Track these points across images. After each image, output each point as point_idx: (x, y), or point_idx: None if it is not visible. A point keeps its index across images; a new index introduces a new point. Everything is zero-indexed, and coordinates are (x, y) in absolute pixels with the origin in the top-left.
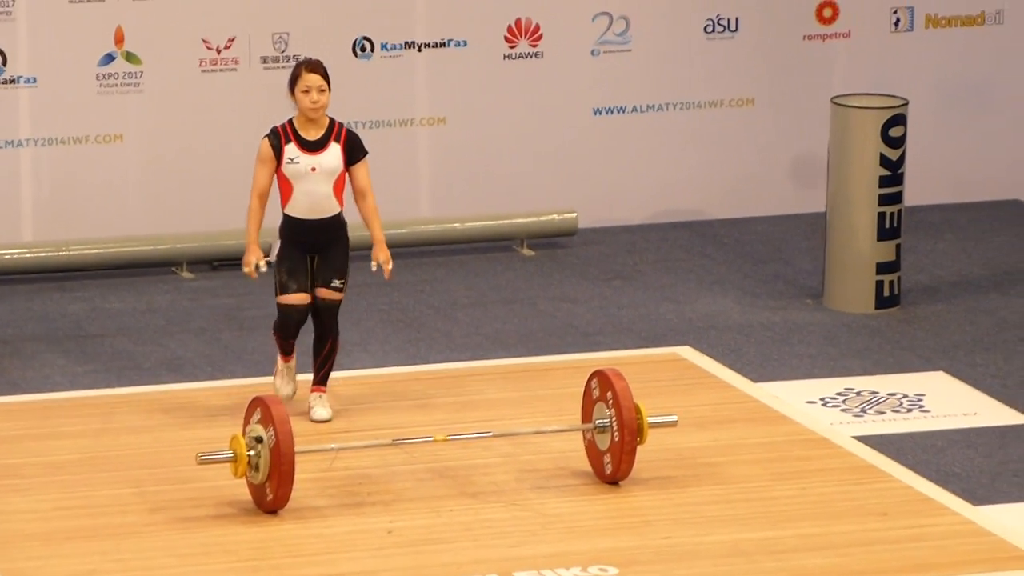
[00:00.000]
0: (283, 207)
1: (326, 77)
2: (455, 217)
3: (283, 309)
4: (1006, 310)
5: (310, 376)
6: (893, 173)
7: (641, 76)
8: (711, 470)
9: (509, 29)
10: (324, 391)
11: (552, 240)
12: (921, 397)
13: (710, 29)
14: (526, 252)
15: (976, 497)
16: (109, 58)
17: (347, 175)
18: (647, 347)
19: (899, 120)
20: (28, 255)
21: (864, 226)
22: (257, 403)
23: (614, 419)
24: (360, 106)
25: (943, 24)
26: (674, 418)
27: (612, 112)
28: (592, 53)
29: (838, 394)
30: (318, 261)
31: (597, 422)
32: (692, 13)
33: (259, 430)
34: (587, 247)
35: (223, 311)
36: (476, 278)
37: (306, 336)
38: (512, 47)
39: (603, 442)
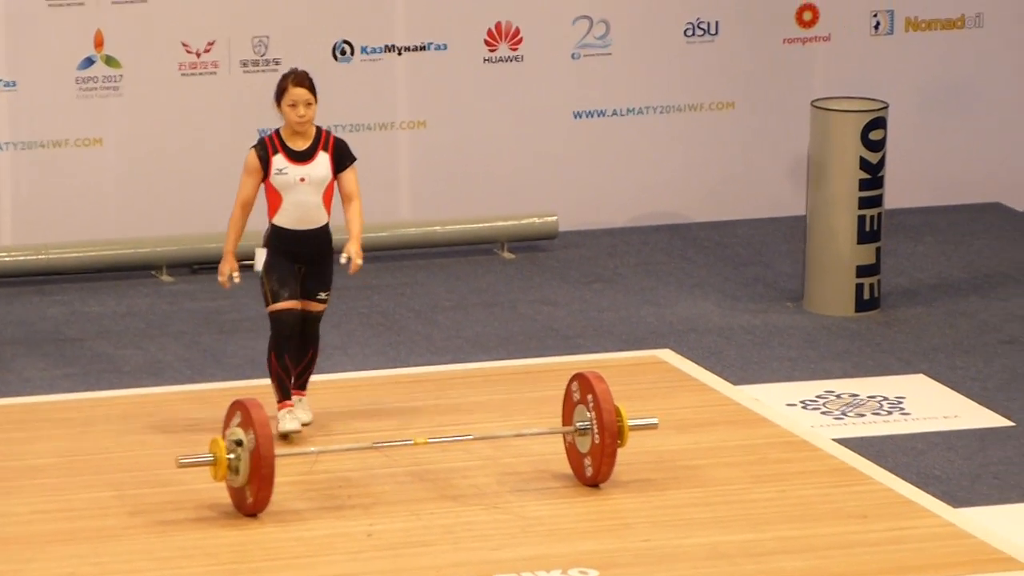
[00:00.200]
0: (271, 217)
1: (312, 90)
2: (436, 220)
3: (276, 316)
4: (986, 313)
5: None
6: (873, 176)
7: (621, 80)
8: (691, 473)
9: (489, 33)
10: (304, 395)
11: (532, 243)
12: (901, 400)
13: (690, 32)
14: (507, 255)
15: (956, 499)
16: (89, 62)
17: (335, 182)
18: (628, 350)
19: (879, 123)
20: (7, 258)
21: (844, 229)
22: (237, 406)
23: (594, 422)
24: (340, 109)
25: (923, 27)
26: (655, 421)
27: (592, 116)
28: (572, 57)
29: (818, 397)
30: (305, 274)
31: (578, 425)
32: (672, 16)
33: (239, 433)
34: (567, 250)
35: (203, 315)
36: (457, 281)
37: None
38: (492, 51)
39: (583, 445)
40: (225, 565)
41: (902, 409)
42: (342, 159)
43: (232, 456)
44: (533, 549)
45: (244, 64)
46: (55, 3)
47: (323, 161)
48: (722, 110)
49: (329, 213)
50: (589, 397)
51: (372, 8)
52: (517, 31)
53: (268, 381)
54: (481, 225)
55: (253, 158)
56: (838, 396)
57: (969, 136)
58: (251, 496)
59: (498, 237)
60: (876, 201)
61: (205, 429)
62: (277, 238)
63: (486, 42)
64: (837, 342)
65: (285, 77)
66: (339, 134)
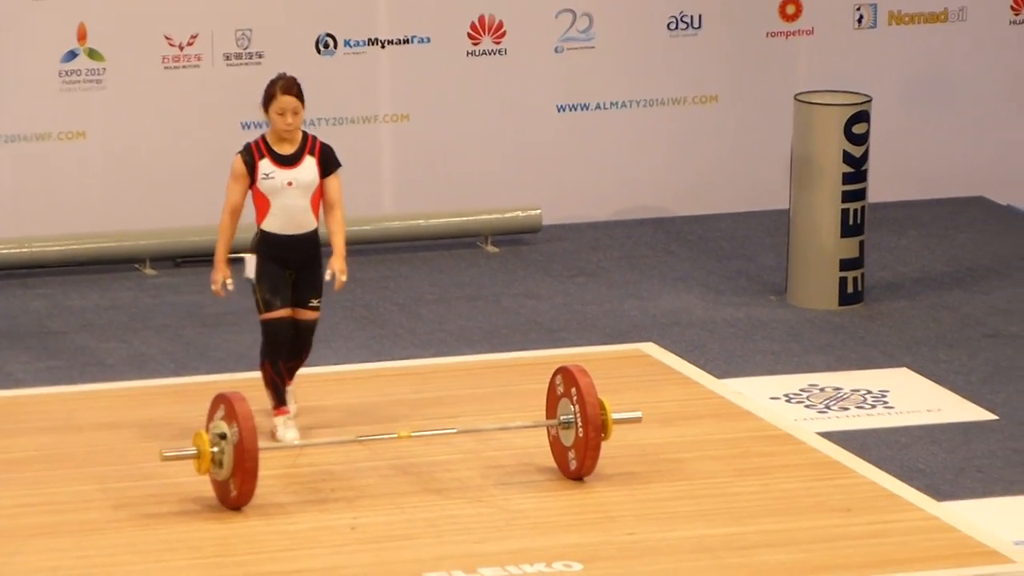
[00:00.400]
0: (259, 223)
1: (300, 97)
2: (419, 214)
3: (269, 326)
4: (969, 306)
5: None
6: (856, 170)
7: (605, 73)
8: (675, 466)
9: (472, 26)
10: (289, 384)
11: (516, 237)
12: (885, 393)
13: (673, 26)
14: (490, 249)
15: (940, 493)
16: (72, 55)
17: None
18: (611, 343)
19: (862, 117)
20: None
21: (828, 223)
22: (220, 400)
23: (578, 415)
24: (323, 103)
25: (906, 21)
26: (638, 414)
27: (576, 109)
28: (556, 50)
29: (802, 390)
30: (296, 280)
31: (561, 418)
32: (655, 10)
33: (223, 427)
34: (551, 244)
35: (186, 308)
36: (440, 275)
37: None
38: (475, 44)
39: (567, 438)
40: (209, 558)
41: (886, 403)
42: (328, 164)
43: (216, 449)
44: (517, 542)
45: (227, 57)
46: None
47: (310, 165)
48: (706, 104)
49: (317, 218)
50: (573, 390)
51: (355, 1)
52: (500, 24)
53: (252, 375)
54: (464, 219)
55: (239, 163)
56: (822, 389)
57: (952, 130)
58: (235, 489)
59: (481, 231)
60: (859, 195)
61: (189, 422)
62: (266, 244)
63: (469, 35)
64: (821, 335)
65: (273, 83)
66: (322, 128)
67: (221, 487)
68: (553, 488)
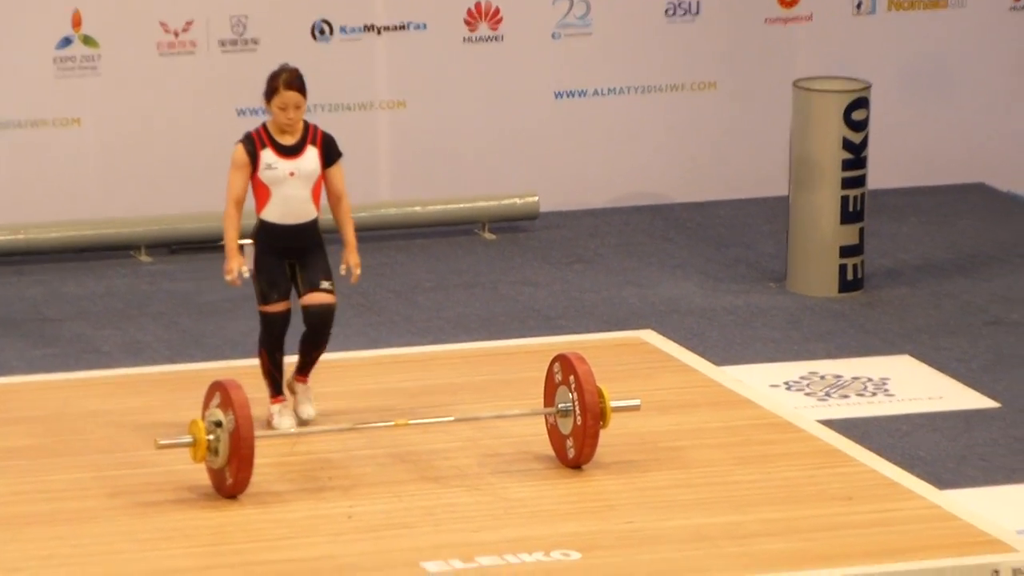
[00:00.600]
0: (259, 212)
1: (303, 91)
2: (416, 201)
3: (267, 318)
4: (970, 293)
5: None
6: (856, 156)
7: (602, 59)
8: (674, 454)
9: (469, 12)
10: (307, 381)
11: (514, 224)
12: (886, 381)
13: (671, 12)
14: (488, 236)
15: (941, 481)
16: (66, 41)
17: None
18: (609, 331)
19: (862, 103)
20: None
21: (827, 209)
22: (216, 387)
23: (576, 403)
24: (319, 89)
25: (906, 7)
26: (637, 402)
27: (573, 96)
28: (553, 36)
29: (802, 378)
30: (299, 268)
31: (559, 406)
32: None
33: (218, 414)
34: (549, 231)
35: (182, 295)
36: (437, 262)
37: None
38: (472, 30)
39: (565, 426)
40: (205, 547)
41: (886, 390)
42: (330, 154)
43: (212, 437)
44: (515, 531)
45: (223, 44)
46: None
47: (312, 155)
48: (704, 90)
49: (318, 207)
50: (571, 378)
51: None
52: (497, 11)
53: (248, 362)
54: (462, 206)
55: (241, 153)
56: (822, 377)
57: (952, 116)
58: (231, 477)
59: (479, 217)
60: (859, 181)
61: (184, 410)
62: (265, 233)
63: (466, 22)
64: (821, 323)
65: (276, 76)
66: (318, 115)
67: (217, 475)
68: (551, 476)
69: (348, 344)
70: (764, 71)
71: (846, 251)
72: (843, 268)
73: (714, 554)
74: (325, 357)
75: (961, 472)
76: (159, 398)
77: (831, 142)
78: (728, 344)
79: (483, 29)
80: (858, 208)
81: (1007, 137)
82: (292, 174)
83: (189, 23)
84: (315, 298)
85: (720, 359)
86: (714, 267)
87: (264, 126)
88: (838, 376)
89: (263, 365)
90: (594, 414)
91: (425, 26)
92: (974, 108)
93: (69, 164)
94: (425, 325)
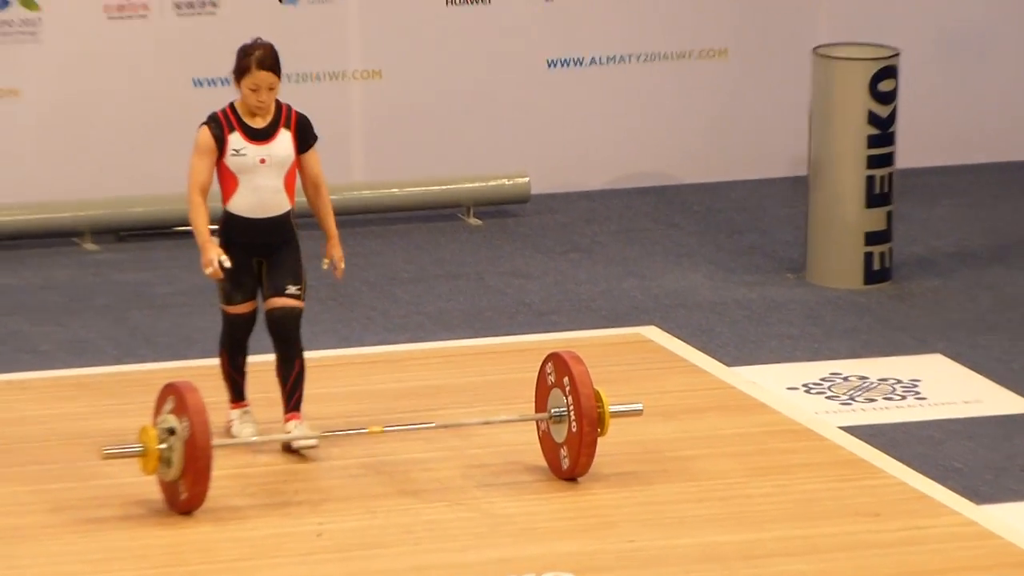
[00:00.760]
0: (224, 203)
1: (278, 71)
2: (392, 182)
3: (229, 319)
4: (1011, 285)
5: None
6: (883, 132)
7: (601, 24)
8: (680, 465)
9: None
10: (299, 417)
11: (502, 208)
12: (916, 383)
13: None
14: (472, 221)
15: (979, 495)
16: (4, 3)
17: (297, 164)
18: (608, 327)
19: (890, 72)
20: None
21: (851, 191)
22: (169, 391)
23: (571, 408)
24: (286, 57)
25: None
26: (639, 406)
27: (568, 64)
28: None
29: (823, 379)
30: (266, 267)
31: (553, 411)
32: None
33: (172, 421)
34: (541, 215)
35: (131, 287)
36: (416, 250)
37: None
38: None
39: (559, 434)
40: (157, 568)
41: (917, 393)
42: (306, 137)
43: (164, 446)
44: (503, 551)
45: (178, 6)
46: None
47: (285, 140)
48: (714, 58)
49: (292, 199)
50: (565, 380)
51: None
52: None
53: (205, 362)
54: (444, 187)
55: (206, 137)
56: (845, 379)
57: (990, 87)
58: (185, 491)
59: (463, 201)
60: (887, 159)
61: (133, 416)
62: (231, 227)
63: None
64: (844, 318)
65: (248, 54)
66: (284, 86)
67: (170, 488)
68: (543, 490)
69: (316, 342)
70: (781, 37)
71: (872, 238)
72: (868, 257)
73: None
74: None
75: (1000, 485)
76: (105, 403)
77: (855, 116)
78: (741, 342)
79: None
80: (885, 190)
81: None
82: (263, 161)
83: None
84: (278, 303)
85: (732, 358)
86: (725, 256)
87: (232, 106)
88: (863, 377)
89: (223, 367)
90: (591, 420)
91: None
92: (1014, 78)
93: (5, 140)
94: (403, 321)
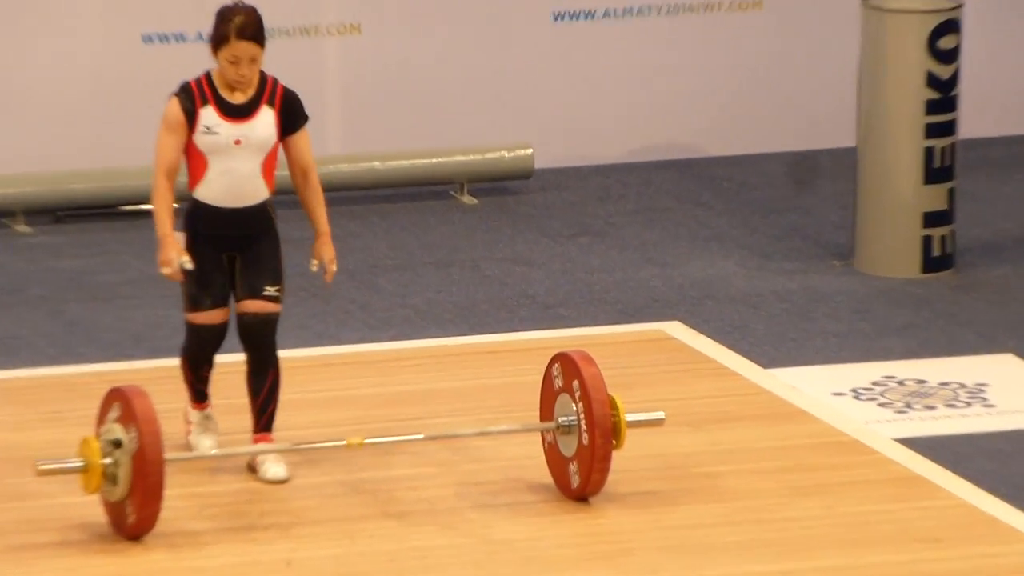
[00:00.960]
0: (191, 189)
1: (261, 41)
2: (373, 155)
3: (194, 329)
4: None
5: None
6: (944, 96)
7: None
8: (709, 483)
9: None
10: (271, 439)
11: (501, 184)
12: (983, 387)
13: None
14: (467, 200)
15: None
16: None
17: (280, 147)
18: (625, 323)
19: (952, 27)
20: None
21: (906, 165)
22: (115, 396)
23: (582, 416)
24: None
25: None
26: (661, 415)
27: (577, 18)
28: None
29: (875, 384)
30: (240, 264)
31: (560, 420)
32: None
33: (117, 431)
34: (546, 193)
35: (70, 275)
36: (402, 233)
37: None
38: None
39: (568, 446)
40: None
41: (984, 400)
42: (293, 118)
43: (108, 461)
44: None
45: None
46: None
47: (266, 119)
48: (746, 11)
49: (270, 186)
50: (575, 384)
51: None
52: None
53: (157, 362)
54: (433, 161)
55: (175, 110)
56: (900, 383)
57: None
58: (133, 513)
59: (456, 176)
60: (948, 128)
61: (73, 425)
62: (198, 217)
63: None
64: (899, 312)
65: (227, 19)
66: None
67: (115, 510)
68: (549, 512)
69: (287, 341)
70: None
71: (931, 219)
72: (927, 241)
73: None
74: None
75: None
76: (40, 410)
77: (912, 77)
78: (779, 340)
79: None
80: (947, 163)
81: None
82: (238, 142)
83: None
84: (252, 306)
85: (768, 359)
86: (760, 240)
87: (208, 75)
88: (921, 381)
89: (184, 375)
90: (604, 430)
91: None
92: None
93: None
94: (387, 315)
